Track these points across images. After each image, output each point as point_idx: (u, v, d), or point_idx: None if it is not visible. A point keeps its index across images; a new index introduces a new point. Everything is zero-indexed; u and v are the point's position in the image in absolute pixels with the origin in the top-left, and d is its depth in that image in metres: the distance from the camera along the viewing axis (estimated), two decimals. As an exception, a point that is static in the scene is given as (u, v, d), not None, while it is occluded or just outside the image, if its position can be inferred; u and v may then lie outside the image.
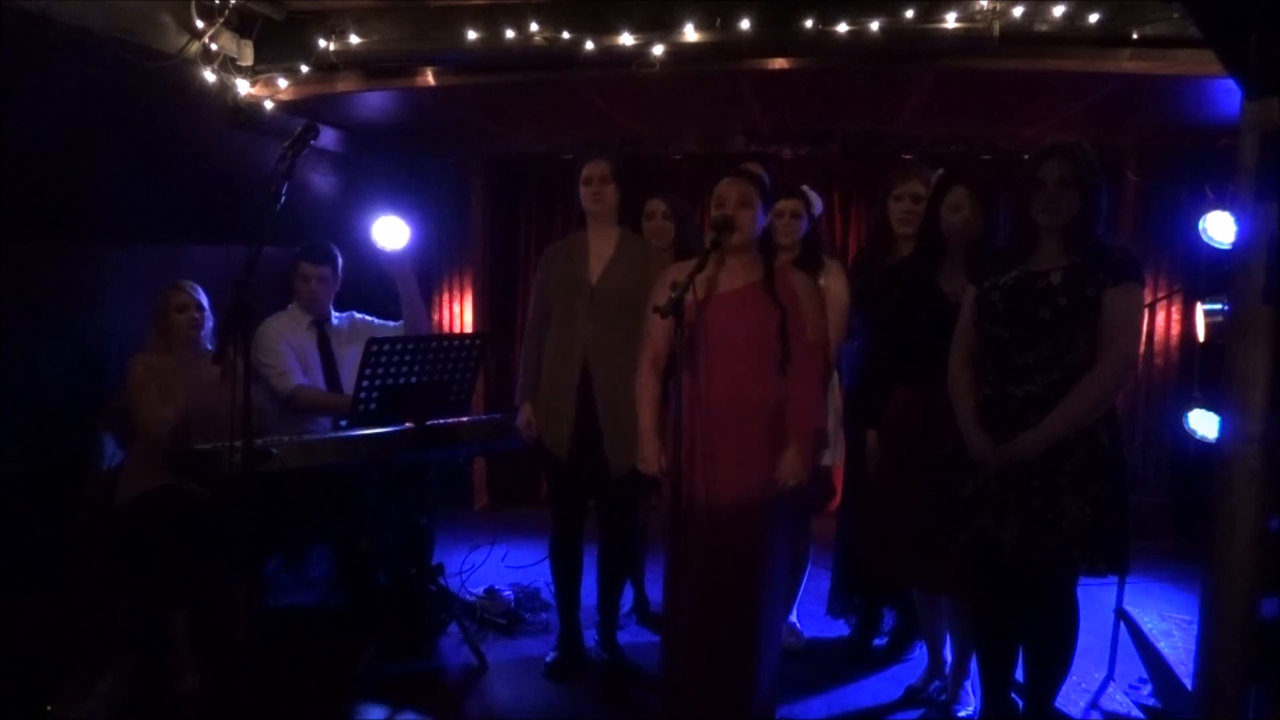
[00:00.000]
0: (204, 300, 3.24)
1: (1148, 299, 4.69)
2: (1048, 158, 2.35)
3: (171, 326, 3.18)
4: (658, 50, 3.42)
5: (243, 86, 3.75)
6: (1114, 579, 3.10)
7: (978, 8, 3.22)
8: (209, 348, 3.22)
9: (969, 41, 3.23)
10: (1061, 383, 2.33)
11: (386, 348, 3.07)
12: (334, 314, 3.76)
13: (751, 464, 2.57)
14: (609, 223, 3.16)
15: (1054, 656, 2.50)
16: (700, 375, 2.58)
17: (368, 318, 3.86)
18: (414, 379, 3.14)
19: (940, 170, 2.95)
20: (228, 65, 3.69)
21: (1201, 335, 4.14)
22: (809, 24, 3.32)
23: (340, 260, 3.73)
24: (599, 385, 3.05)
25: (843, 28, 3.28)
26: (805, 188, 3.34)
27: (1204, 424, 3.94)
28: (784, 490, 2.58)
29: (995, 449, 2.38)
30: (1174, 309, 4.76)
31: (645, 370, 2.75)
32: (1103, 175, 2.36)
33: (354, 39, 3.65)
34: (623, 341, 3.00)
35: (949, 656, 3.00)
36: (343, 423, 3.42)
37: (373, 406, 3.08)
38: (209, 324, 3.24)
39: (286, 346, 3.55)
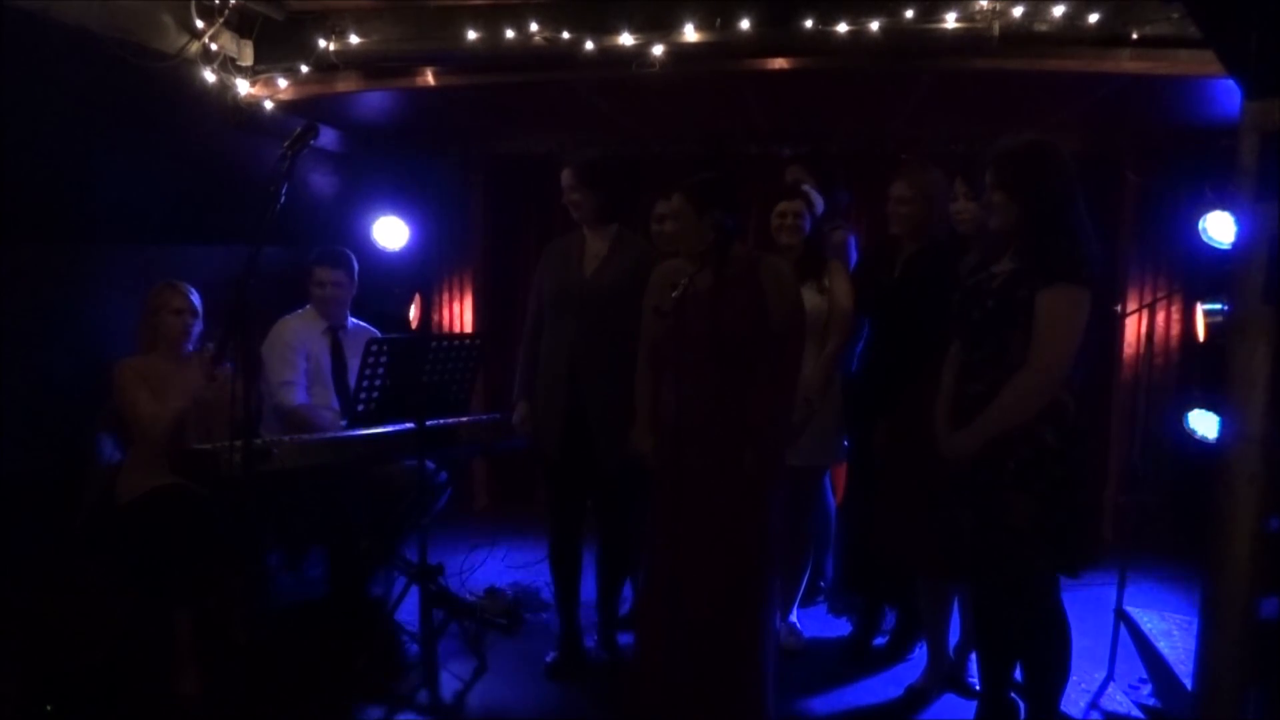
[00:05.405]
0: (198, 304, 3.23)
1: (1146, 299, 4.70)
2: (987, 165, 2.41)
3: (163, 327, 3.17)
4: (658, 50, 3.42)
5: (243, 86, 3.75)
6: (1105, 580, 3.10)
7: (978, 8, 3.22)
8: (192, 349, 3.22)
9: (969, 41, 3.24)
10: (1004, 382, 2.35)
11: (386, 348, 3.07)
12: (350, 320, 3.75)
13: (727, 460, 2.58)
14: (600, 223, 3.15)
15: (1049, 667, 2.50)
16: (682, 373, 2.62)
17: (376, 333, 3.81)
18: (413, 379, 3.14)
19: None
20: (228, 65, 3.69)
21: (1201, 335, 4.14)
22: (809, 24, 3.32)
23: (356, 266, 3.72)
24: (586, 383, 3.05)
25: (843, 28, 3.29)
26: (807, 188, 3.35)
27: (1204, 424, 3.94)
28: (752, 484, 2.59)
29: (942, 442, 2.49)
30: (1174, 309, 4.76)
31: (643, 366, 2.83)
32: (1043, 174, 2.31)
33: (354, 39, 3.65)
34: (610, 340, 2.99)
35: (954, 640, 3.03)
36: (343, 423, 3.43)
37: (372, 407, 3.08)
38: (198, 328, 3.24)
39: (300, 356, 3.55)
